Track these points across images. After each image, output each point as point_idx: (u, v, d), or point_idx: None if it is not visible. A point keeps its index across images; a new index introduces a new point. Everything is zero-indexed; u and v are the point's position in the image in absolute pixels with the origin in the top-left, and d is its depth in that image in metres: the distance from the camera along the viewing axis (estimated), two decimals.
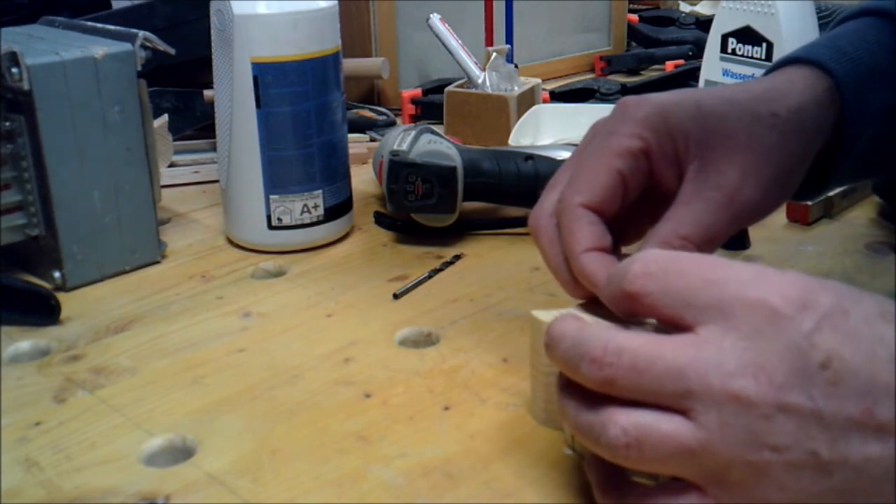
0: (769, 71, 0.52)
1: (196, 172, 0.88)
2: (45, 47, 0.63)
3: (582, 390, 0.37)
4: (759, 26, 0.82)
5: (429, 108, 1.04)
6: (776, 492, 0.33)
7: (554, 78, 1.24)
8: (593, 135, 0.48)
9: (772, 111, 0.47)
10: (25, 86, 0.60)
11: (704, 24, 1.32)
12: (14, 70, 0.59)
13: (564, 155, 0.73)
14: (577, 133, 0.90)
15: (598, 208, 0.45)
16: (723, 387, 0.33)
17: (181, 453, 0.46)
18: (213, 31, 0.68)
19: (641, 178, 0.46)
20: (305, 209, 0.69)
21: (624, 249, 0.50)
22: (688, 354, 0.34)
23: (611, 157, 0.45)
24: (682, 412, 0.34)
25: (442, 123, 0.98)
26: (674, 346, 0.35)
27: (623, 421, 0.35)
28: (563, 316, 0.39)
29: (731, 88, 0.49)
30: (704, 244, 0.45)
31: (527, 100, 0.96)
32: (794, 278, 0.35)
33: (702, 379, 0.33)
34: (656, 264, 0.37)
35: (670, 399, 0.34)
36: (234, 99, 0.67)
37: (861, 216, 0.75)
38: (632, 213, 0.48)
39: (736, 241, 0.67)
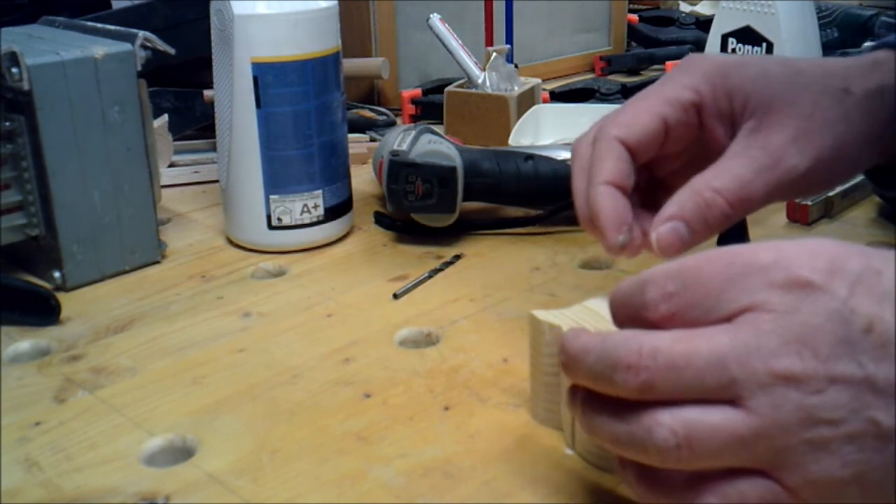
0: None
1: (196, 172, 0.88)
2: (45, 47, 0.63)
3: (610, 402, 0.35)
4: (759, 26, 0.82)
5: (429, 108, 1.04)
6: (839, 468, 0.32)
7: (554, 78, 1.24)
8: (658, 80, 0.48)
9: (844, 87, 0.46)
10: (25, 86, 0.60)
11: (704, 24, 1.32)
12: (14, 70, 0.59)
13: (564, 155, 0.73)
14: (577, 133, 0.91)
15: (633, 147, 0.45)
16: (767, 369, 0.32)
17: (181, 453, 0.46)
18: (213, 31, 0.68)
19: (688, 130, 0.46)
20: (305, 209, 0.69)
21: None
22: (724, 343, 0.33)
23: (659, 102, 0.45)
24: (728, 402, 0.33)
25: (442, 123, 0.98)
26: (708, 336, 0.33)
27: (668, 421, 0.33)
28: (576, 331, 0.37)
29: (806, 61, 0.48)
30: (738, 201, 0.43)
31: (527, 100, 0.96)
32: (815, 247, 0.34)
33: (744, 365, 0.32)
34: (672, 281, 0.35)
35: (713, 392, 0.33)
36: (234, 99, 0.67)
37: (861, 216, 0.75)
38: (688, 170, 0.47)
39: (735, 239, 0.67)
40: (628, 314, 0.37)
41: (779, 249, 0.34)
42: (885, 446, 0.31)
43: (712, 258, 0.35)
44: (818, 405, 0.32)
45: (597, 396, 0.36)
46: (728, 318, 0.34)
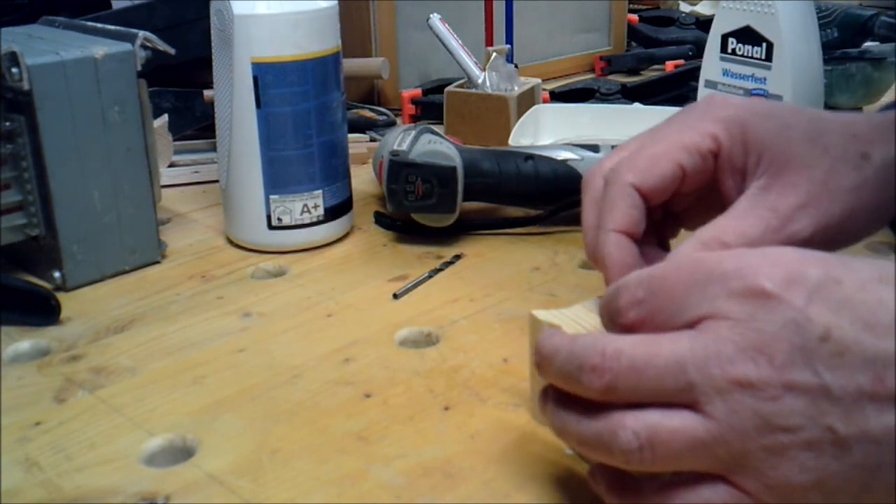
0: None
1: (196, 172, 0.88)
2: (45, 47, 0.63)
3: (580, 402, 0.36)
4: (759, 26, 0.82)
5: (429, 108, 1.04)
6: (798, 473, 0.32)
7: (554, 78, 1.24)
8: (673, 118, 0.47)
9: (863, 152, 0.45)
10: (25, 86, 0.60)
11: (704, 24, 1.32)
12: (14, 70, 0.59)
13: (564, 155, 0.73)
14: (577, 133, 0.91)
15: (647, 193, 0.45)
16: (723, 374, 0.33)
17: (181, 453, 0.46)
18: (213, 31, 0.68)
19: (703, 177, 0.45)
20: (305, 209, 0.69)
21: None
22: (685, 347, 0.34)
23: (678, 148, 0.45)
24: (688, 406, 0.34)
25: (442, 123, 0.98)
26: (670, 340, 0.34)
27: (632, 424, 0.34)
28: (551, 332, 0.39)
29: (831, 119, 0.47)
30: None
31: (527, 100, 0.96)
32: (776, 256, 0.35)
33: (702, 370, 0.33)
34: (641, 289, 0.37)
35: (673, 395, 0.34)
36: (234, 99, 0.67)
37: None
38: (701, 207, 0.47)
39: None
40: (608, 319, 0.38)
41: (740, 258, 0.35)
42: (843, 453, 0.32)
43: (679, 265, 0.36)
44: (774, 412, 0.32)
45: (567, 398, 0.37)
46: (691, 325, 0.35)
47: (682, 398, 0.34)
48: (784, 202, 0.44)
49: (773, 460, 0.32)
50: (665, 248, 0.49)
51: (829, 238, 0.45)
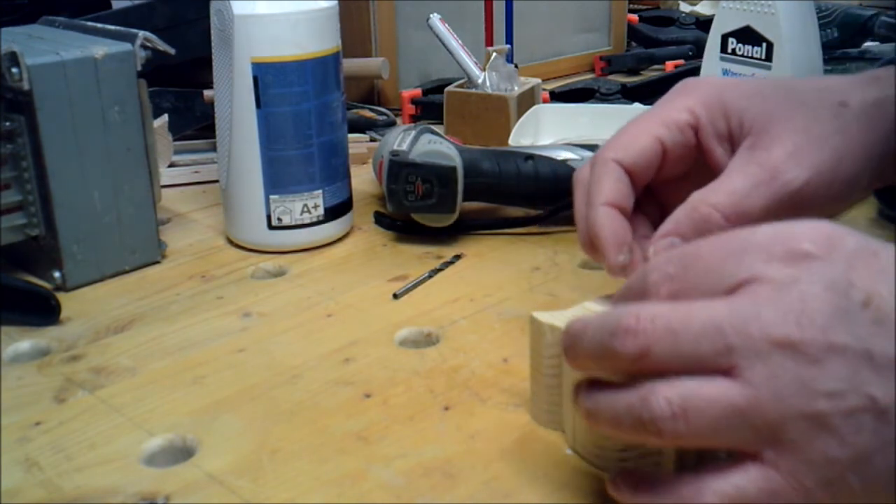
0: None
1: (196, 172, 0.88)
2: (45, 47, 0.63)
3: (611, 385, 0.36)
4: (759, 26, 0.82)
5: (429, 108, 1.04)
6: (837, 447, 0.31)
7: (554, 78, 1.23)
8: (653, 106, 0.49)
9: (841, 101, 0.46)
10: (25, 86, 0.60)
11: (704, 24, 1.32)
12: (14, 70, 0.59)
13: (564, 155, 0.73)
14: (577, 133, 0.91)
15: (630, 168, 0.45)
16: (764, 336, 0.32)
17: (181, 453, 0.46)
18: (213, 31, 0.68)
19: (687, 151, 0.46)
20: (305, 209, 0.69)
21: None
22: (722, 310, 0.33)
23: (655, 124, 0.46)
24: (725, 373, 0.32)
25: (442, 123, 0.98)
26: (707, 304, 0.34)
27: (665, 391, 0.33)
28: (574, 319, 0.38)
29: (801, 79, 0.49)
30: (734, 216, 0.43)
31: (527, 100, 0.96)
32: (814, 223, 0.34)
33: (740, 332, 0.32)
34: (672, 265, 0.36)
35: (711, 359, 0.33)
36: (234, 99, 0.67)
37: (861, 216, 0.75)
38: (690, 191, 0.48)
39: None
40: (637, 300, 0.37)
41: (775, 227, 0.35)
42: (882, 426, 0.31)
43: (711, 239, 0.36)
44: (815, 376, 0.31)
45: (599, 382, 0.36)
46: (728, 293, 0.34)
47: (719, 363, 0.33)
48: (771, 155, 0.44)
49: (813, 431, 0.31)
50: None
51: (823, 184, 0.45)
